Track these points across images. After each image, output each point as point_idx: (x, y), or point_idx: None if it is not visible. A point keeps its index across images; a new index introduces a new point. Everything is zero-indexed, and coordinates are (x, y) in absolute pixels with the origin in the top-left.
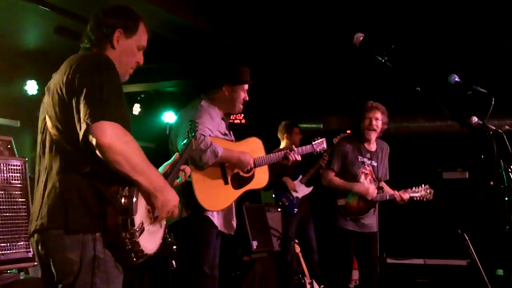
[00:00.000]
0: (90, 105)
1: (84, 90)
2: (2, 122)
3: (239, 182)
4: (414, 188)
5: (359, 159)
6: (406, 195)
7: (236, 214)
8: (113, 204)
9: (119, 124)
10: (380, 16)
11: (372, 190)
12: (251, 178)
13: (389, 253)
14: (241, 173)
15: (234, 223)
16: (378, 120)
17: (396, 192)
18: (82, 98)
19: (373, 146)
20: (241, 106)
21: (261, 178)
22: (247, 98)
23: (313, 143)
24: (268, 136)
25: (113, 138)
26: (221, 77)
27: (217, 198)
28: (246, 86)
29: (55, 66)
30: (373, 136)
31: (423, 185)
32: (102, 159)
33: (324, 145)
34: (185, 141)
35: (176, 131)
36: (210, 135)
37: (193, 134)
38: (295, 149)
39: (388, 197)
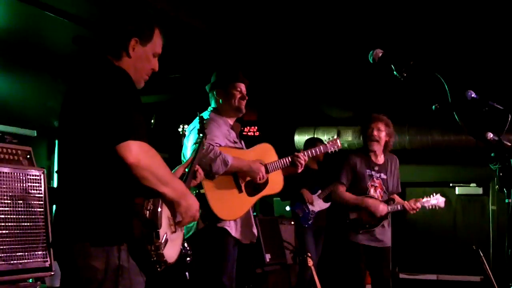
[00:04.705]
0: (114, 124)
1: (106, 108)
2: (18, 131)
3: (253, 188)
4: (425, 198)
5: (367, 173)
6: (417, 204)
7: None
8: (138, 217)
9: (144, 140)
10: (398, 32)
11: (381, 208)
12: (265, 184)
13: (402, 268)
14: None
15: (255, 230)
16: (381, 131)
17: (406, 202)
18: (104, 117)
19: (380, 159)
20: (240, 105)
21: (275, 183)
22: (246, 97)
23: (327, 142)
24: (282, 148)
25: (139, 156)
26: (211, 85)
27: (232, 207)
28: (238, 85)
29: (73, 75)
30: (376, 147)
31: (434, 194)
32: (125, 173)
33: (339, 144)
34: (196, 140)
35: (186, 143)
36: (219, 145)
37: (203, 133)
38: (301, 153)
39: (399, 208)
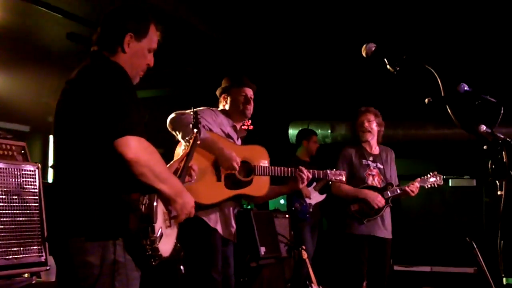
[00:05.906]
0: (112, 119)
1: (104, 104)
2: (11, 127)
3: (233, 183)
4: (422, 177)
5: (364, 162)
6: (415, 184)
7: (245, 220)
8: (134, 212)
9: (142, 136)
10: (390, 26)
11: (379, 199)
12: (248, 183)
13: (396, 260)
14: (238, 175)
15: (233, 229)
16: (371, 121)
17: (406, 187)
18: (102, 112)
19: (375, 150)
20: (245, 109)
21: (259, 186)
22: (251, 102)
23: (329, 171)
24: (274, 143)
25: (138, 152)
26: (221, 90)
27: (205, 191)
28: (242, 90)
29: (67, 71)
30: (369, 137)
31: (430, 173)
32: (122, 168)
33: (343, 178)
34: (190, 135)
35: None
36: (208, 128)
37: (197, 129)
38: (305, 170)
39: (399, 191)
